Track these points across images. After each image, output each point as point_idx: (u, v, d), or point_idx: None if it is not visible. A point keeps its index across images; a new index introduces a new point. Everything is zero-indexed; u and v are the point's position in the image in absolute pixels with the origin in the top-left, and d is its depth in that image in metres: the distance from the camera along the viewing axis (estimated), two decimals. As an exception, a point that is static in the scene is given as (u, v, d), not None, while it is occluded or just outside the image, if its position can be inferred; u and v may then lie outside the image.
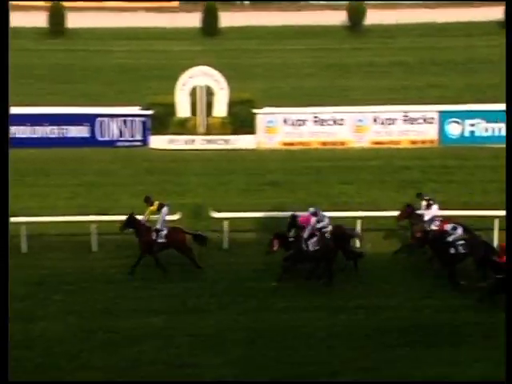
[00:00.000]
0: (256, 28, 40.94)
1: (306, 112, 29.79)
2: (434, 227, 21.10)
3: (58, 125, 29.19)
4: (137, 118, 29.40)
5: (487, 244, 20.35)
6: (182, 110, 29.67)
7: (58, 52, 37.63)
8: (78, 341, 18.38)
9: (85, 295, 20.16)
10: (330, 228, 21.09)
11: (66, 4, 40.41)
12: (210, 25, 39.97)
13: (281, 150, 29.26)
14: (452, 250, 20.18)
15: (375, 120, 29.59)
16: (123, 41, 39.13)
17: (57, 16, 39.05)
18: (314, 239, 20.56)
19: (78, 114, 29.41)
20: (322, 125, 29.62)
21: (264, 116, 29.68)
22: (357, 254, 21.12)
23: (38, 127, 29.23)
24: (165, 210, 21.33)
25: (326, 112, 29.76)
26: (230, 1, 43.92)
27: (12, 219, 22.68)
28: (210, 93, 29.82)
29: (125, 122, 29.34)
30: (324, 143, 29.60)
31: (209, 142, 29.38)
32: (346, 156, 28.70)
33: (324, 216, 21.36)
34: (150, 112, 29.54)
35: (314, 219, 20.91)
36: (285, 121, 29.64)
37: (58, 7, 39.61)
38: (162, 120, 29.58)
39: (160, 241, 20.98)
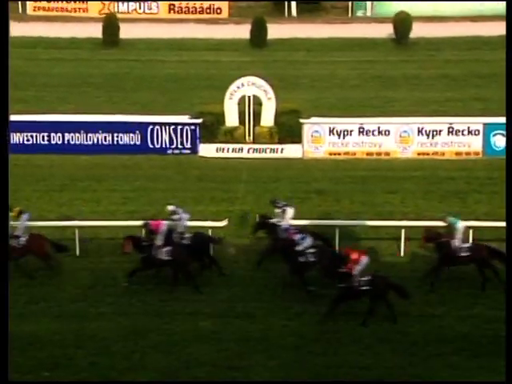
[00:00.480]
0: (303, 40, 41.28)
1: (352, 122, 30.10)
2: (286, 234, 21.53)
3: (111, 132, 29.85)
4: (187, 127, 29.95)
5: (334, 253, 20.81)
6: (231, 119, 30.18)
7: (112, 62, 38.31)
8: (129, 342, 18.97)
9: (136, 297, 20.74)
10: (188, 235, 21.52)
11: (119, 15, 41.23)
12: (258, 36, 40.50)
13: (326, 160, 29.63)
14: (302, 259, 20.73)
15: (420, 131, 29.86)
16: (174, 51, 39.71)
17: (111, 27, 39.81)
18: (168, 248, 20.94)
19: (130, 122, 30.00)
20: (367, 135, 29.92)
21: (310, 126, 30.03)
22: (214, 261, 21.64)
23: (91, 134, 29.86)
24: (25, 216, 21.86)
25: (372, 123, 30.05)
26: (278, 1, 44.28)
27: (66, 223, 23.50)
28: (257, 102, 30.26)
29: (175, 130, 29.89)
30: (369, 153, 29.91)
31: (256, 150, 29.87)
32: (391, 166, 28.97)
33: (183, 215, 21.75)
34: (199, 121, 30.04)
35: (164, 227, 21.18)
36: (330, 131, 30.00)
37: (112, 18, 40.40)
38: (211, 129, 30.07)
39: (19, 247, 21.43)
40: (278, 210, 22.33)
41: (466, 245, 21.22)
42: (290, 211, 22.30)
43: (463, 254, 20.89)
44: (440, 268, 21.01)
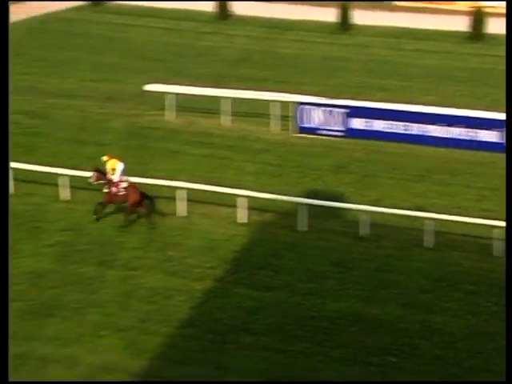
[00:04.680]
0: None
1: None
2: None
3: (471, 127, 29.35)
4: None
5: None
6: None
7: (476, 56, 37.78)
8: (476, 341, 18.46)
9: (484, 298, 20.15)
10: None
11: (487, 9, 40.60)
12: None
13: None
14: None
15: None
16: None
17: (478, 21, 39.46)
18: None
19: (491, 119, 29.13)
20: None
21: None
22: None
23: (451, 128, 29.62)
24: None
25: None
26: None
27: (418, 213, 23.41)
28: None
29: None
30: None
31: None
32: None
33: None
34: None
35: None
36: None
37: (480, 13, 39.99)
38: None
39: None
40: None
41: None
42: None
43: None
44: None
